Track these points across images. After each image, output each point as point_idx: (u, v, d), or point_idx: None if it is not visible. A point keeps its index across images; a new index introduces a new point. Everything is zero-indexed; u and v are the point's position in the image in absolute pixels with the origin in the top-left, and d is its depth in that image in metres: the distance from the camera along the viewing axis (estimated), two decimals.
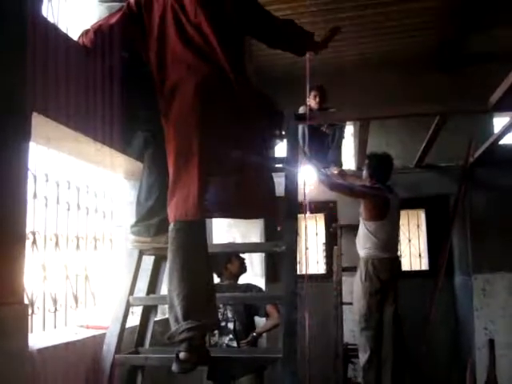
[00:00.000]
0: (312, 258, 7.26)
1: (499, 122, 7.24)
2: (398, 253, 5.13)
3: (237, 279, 4.62)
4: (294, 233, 2.68)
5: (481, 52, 7.40)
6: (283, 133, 3.21)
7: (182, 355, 2.24)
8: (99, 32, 2.60)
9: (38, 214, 2.67)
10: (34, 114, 2.14)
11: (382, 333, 4.93)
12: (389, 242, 4.94)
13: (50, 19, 2.55)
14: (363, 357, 4.96)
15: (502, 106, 4.05)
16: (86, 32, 2.61)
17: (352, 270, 5.52)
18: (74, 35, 2.69)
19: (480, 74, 7.22)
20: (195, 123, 2.38)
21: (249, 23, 2.67)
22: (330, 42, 3.01)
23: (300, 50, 2.98)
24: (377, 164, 5.05)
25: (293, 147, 3.03)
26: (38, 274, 2.62)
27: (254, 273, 6.12)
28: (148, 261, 3.01)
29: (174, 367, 2.25)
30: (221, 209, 2.51)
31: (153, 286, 3.01)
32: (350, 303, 5.41)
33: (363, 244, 5.02)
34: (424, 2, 6.11)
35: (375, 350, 4.89)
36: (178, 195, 2.35)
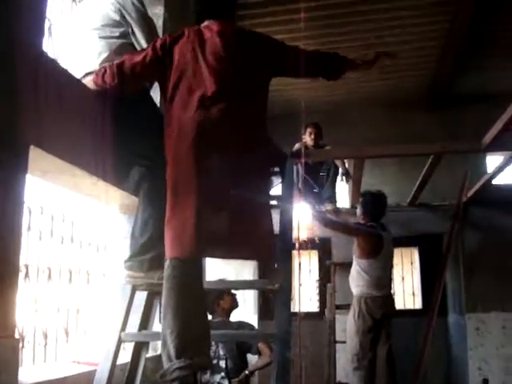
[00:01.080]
0: (305, 295, 7.22)
1: (492, 161, 7.31)
2: (392, 291, 5.11)
3: (229, 315, 4.58)
4: (289, 270, 2.67)
5: (470, 93, 7.52)
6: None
7: None
8: (122, 68, 2.62)
9: (32, 247, 2.67)
10: (31, 147, 2.15)
11: (374, 372, 4.88)
12: (382, 280, 4.92)
13: (50, 54, 2.58)
14: None
15: (495, 147, 4.10)
16: (109, 67, 2.63)
17: (346, 307, 5.49)
18: (74, 70, 2.73)
19: (470, 115, 7.35)
20: (194, 161, 2.39)
21: (283, 65, 2.73)
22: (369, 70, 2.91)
23: (335, 73, 2.87)
24: (370, 202, 5.07)
25: (288, 185, 3.04)
26: (30, 306, 2.60)
27: (247, 310, 6.08)
28: (141, 296, 2.98)
29: None
30: (218, 248, 2.49)
31: (145, 322, 2.97)
32: (344, 341, 5.36)
33: (356, 282, 5.00)
34: (416, 43, 6.21)
35: None
36: (174, 232, 2.35)
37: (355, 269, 5.02)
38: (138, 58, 2.63)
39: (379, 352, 4.89)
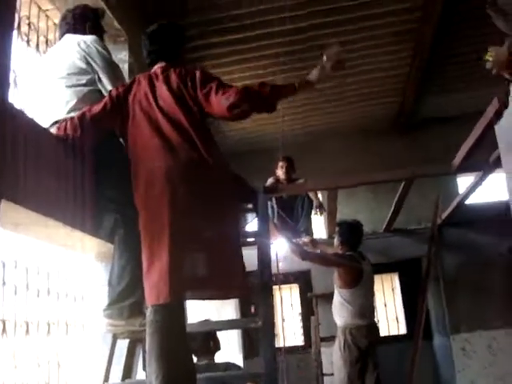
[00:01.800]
0: (289, 329, 7.17)
1: (463, 181, 7.42)
2: (375, 319, 5.10)
3: (213, 356, 4.50)
4: (270, 307, 2.66)
5: (437, 116, 7.70)
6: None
7: None
8: (83, 120, 2.68)
9: (8, 301, 2.62)
10: (3, 201, 2.12)
11: None
12: (365, 309, 4.92)
13: (17, 105, 2.57)
14: None
15: (465, 168, 4.17)
16: (70, 119, 2.68)
17: (330, 339, 5.46)
18: (41, 120, 2.72)
19: (438, 137, 7.52)
20: (165, 208, 2.39)
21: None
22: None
23: (270, 107, 2.67)
24: (347, 231, 5.09)
25: (263, 220, 3.05)
26: (9, 362, 2.54)
27: (232, 349, 6.00)
28: (122, 344, 2.93)
29: None
30: (196, 291, 2.48)
31: (128, 371, 2.93)
32: (331, 374, 5.31)
33: (339, 312, 4.99)
34: (382, 72, 6.34)
35: None
36: (152, 278, 2.34)
37: (337, 299, 5.01)
38: (98, 109, 2.70)
39: (367, 382, 4.84)
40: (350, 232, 5.08)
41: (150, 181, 2.47)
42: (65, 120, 2.71)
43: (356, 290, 4.88)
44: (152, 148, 2.52)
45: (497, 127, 3.14)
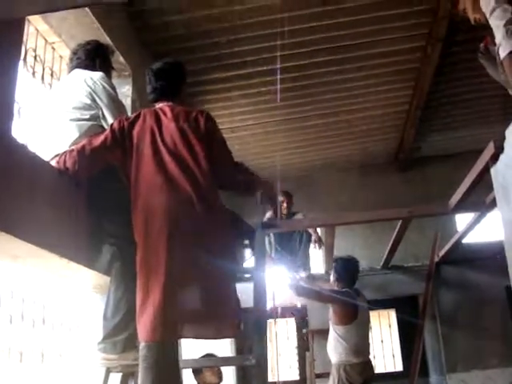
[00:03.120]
0: (284, 363, 7.11)
1: (462, 219, 7.43)
2: (370, 356, 5.06)
3: None
4: (264, 345, 2.66)
5: (436, 153, 7.76)
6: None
7: None
8: (82, 153, 2.69)
9: (3, 330, 2.62)
10: (2, 233, 2.15)
11: None
12: (360, 347, 4.89)
13: (20, 137, 2.61)
14: None
15: (461, 208, 4.19)
16: (69, 152, 2.69)
17: (326, 376, 5.41)
18: (44, 152, 2.76)
19: (437, 175, 7.58)
20: (165, 244, 2.41)
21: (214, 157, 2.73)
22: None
23: (247, 193, 3.02)
24: (343, 268, 5.09)
25: (259, 256, 3.06)
26: None
27: (227, 382, 5.95)
28: (115, 378, 2.92)
29: None
30: (189, 330, 2.48)
31: None
32: None
33: (334, 349, 4.96)
34: (381, 109, 6.42)
35: None
36: (146, 315, 2.35)
37: (333, 336, 4.99)
38: (98, 142, 2.71)
39: None
40: (345, 268, 5.08)
41: (150, 217, 2.48)
42: (65, 153, 2.73)
43: (351, 327, 4.85)
44: (155, 184, 2.54)
45: (493, 170, 3.16)
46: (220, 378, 4.51)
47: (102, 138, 2.72)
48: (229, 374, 6.21)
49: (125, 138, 2.70)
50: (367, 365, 4.95)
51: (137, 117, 2.77)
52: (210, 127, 2.75)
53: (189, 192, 2.50)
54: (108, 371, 2.76)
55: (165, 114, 2.74)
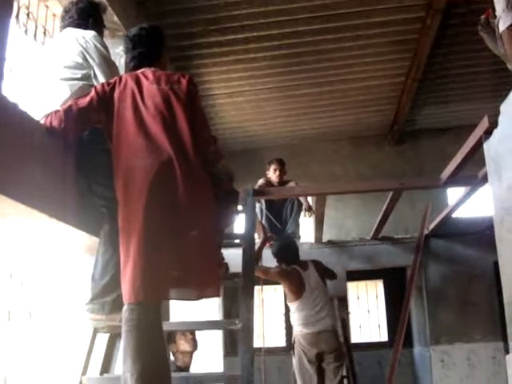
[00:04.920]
0: (272, 330, 7.19)
1: (453, 192, 7.47)
2: (330, 327, 5.05)
3: (191, 358, 4.41)
4: (251, 309, 2.68)
5: (431, 126, 7.76)
6: (240, 208, 3.25)
7: None
8: (69, 113, 2.65)
9: None
10: None
11: None
12: (310, 317, 5.00)
13: (11, 97, 2.58)
14: None
15: (453, 182, 4.20)
16: (56, 112, 2.66)
17: None
18: (34, 112, 2.73)
19: (431, 148, 7.58)
20: (144, 206, 2.40)
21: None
22: None
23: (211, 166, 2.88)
24: (277, 252, 5.26)
25: (249, 222, 3.07)
26: None
27: (216, 348, 6.03)
28: (103, 339, 2.95)
29: None
30: (170, 288, 2.49)
31: (107, 365, 2.94)
32: None
33: (292, 321, 5.20)
34: (377, 80, 6.38)
35: None
36: (127, 276, 2.35)
37: (290, 310, 5.19)
38: (84, 103, 2.67)
39: None
40: (281, 251, 5.23)
41: (130, 178, 2.47)
42: (51, 112, 2.70)
43: (300, 302, 5.05)
44: (136, 146, 2.52)
45: (486, 145, 3.17)
46: (195, 346, 4.44)
47: (87, 98, 2.69)
48: (217, 340, 6.29)
49: (107, 101, 2.67)
50: (321, 335, 4.96)
51: (118, 81, 2.73)
52: (192, 90, 2.72)
53: (170, 153, 2.49)
54: (95, 331, 2.78)
55: (146, 77, 2.71)
